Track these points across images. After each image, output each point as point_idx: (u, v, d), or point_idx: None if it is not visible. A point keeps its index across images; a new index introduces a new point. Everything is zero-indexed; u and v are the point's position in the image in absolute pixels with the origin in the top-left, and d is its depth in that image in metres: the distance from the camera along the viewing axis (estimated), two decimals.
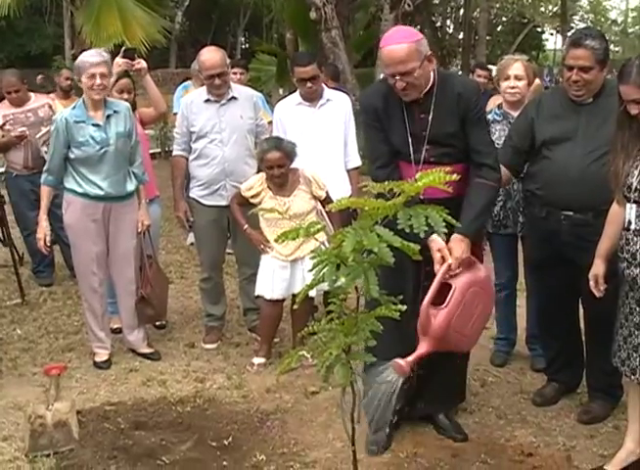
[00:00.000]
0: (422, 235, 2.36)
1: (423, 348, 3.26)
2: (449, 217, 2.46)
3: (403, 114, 3.52)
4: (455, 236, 3.37)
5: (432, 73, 3.49)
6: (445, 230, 2.43)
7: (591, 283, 3.46)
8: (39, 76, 12.02)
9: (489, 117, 4.52)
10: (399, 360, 3.11)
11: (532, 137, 3.85)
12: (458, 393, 3.99)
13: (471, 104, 3.50)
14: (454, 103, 3.48)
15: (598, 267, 3.44)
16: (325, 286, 2.57)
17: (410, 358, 3.17)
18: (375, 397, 3.15)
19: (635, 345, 3.28)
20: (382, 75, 3.57)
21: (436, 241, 3.31)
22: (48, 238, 4.60)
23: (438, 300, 3.30)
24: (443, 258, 3.33)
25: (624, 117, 3.21)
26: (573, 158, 3.67)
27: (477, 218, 3.49)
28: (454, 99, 3.48)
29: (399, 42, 3.34)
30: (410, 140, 3.52)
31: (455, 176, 2.42)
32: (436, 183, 2.38)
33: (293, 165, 4.56)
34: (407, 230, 2.37)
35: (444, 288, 3.32)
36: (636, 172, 3.19)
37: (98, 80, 4.36)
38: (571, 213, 3.71)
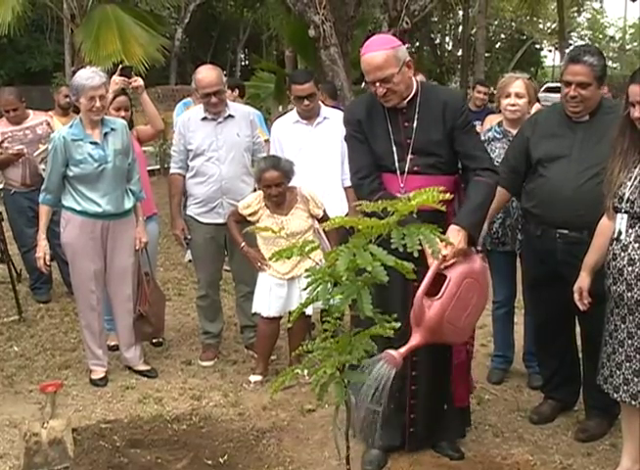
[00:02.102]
0: (415, 254, 2.36)
1: (415, 339, 3.17)
2: (443, 236, 2.48)
3: (387, 123, 3.55)
4: (452, 227, 3.37)
5: (413, 81, 3.54)
6: (440, 250, 2.43)
7: (575, 296, 3.46)
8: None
9: (489, 134, 4.54)
10: (391, 352, 3.00)
11: (528, 157, 3.87)
12: (460, 424, 3.91)
13: (458, 111, 3.54)
14: (439, 111, 3.51)
15: (583, 281, 3.44)
16: (320, 304, 2.58)
17: (402, 350, 3.08)
18: (366, 391, 3.00)
19: (619, 362, 3.28)
20: (362, 85, 3.61)
21: None
22: (47, 257, 4.61)
23: (433, 290, 3.23)
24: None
25: (627, 122, 3.21)
26: (568, 176, 3.68)
27: (474, 212, 3.46)
28: (440, 107, 3.51)
29: (376, 50, 3.42)
30: (394, 149, 3.53)
31: (448, 196, 2.44)
32: (430, 202, 2.39)
33: (290, 184, 4.57)
34: (401, 249, 2.38)
35: (439, 278, 3.25)
36: (629, 183, 3.19)
37: (98, 103, 4.38)
38: (565, 232, 3.72)
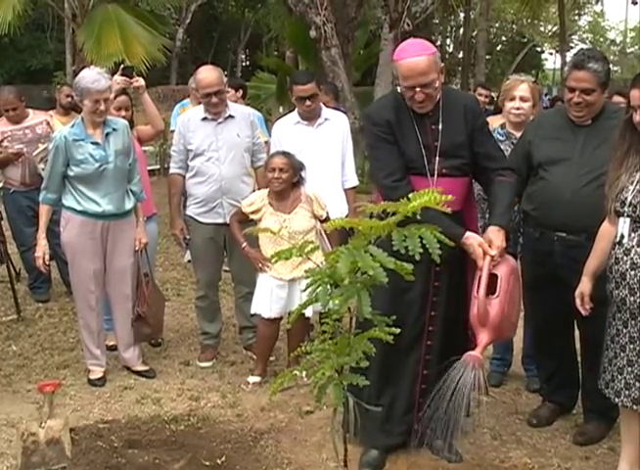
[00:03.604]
0: (417, 257, 2.37)
1: (484, 338, 3.37)
2: (443, 237, 2.48)
3: (414, 125, 3.56)
4: (492, 227, 3.50)
5: None
6: (439, 252, 2.43)
7: (577, 301, 3.46)
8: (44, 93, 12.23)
9: None
10: (473, 353, 3.25)
11: (530, 160, 3.87)
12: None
13: (476, 113, 3.63)
14: (461, 114, 3.56)
15: (585, 285, 3.44)
16: (319, 306, 2.58)
17: (478, 350, 3.29)
18: (460, 395, 3.19)
19: (620, 367, 3.27)
20: (398, 88, 3.60)
21: (473, 237, 3.42)
22: (47, 256, 4.60)
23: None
24: (484, 252, 3.41)
25: (628, 125, 3.21)
26: (568, 179, 3.68)
27: (506, 211, 3.62)
28: (461, 110, 3.57)
29: (419, 54, 3.41)
30: (423, 151, 3.55)
31: (451, 197, 2.46)
32: (432, 203, 2.40)
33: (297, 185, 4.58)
34: (402, 251, 2.39)
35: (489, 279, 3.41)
36: (631, 187, 3.19)
37: (102, 107, 4.38)
38: (564, 235, 3.72)
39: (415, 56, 3.41)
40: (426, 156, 3.55)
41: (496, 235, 3.47)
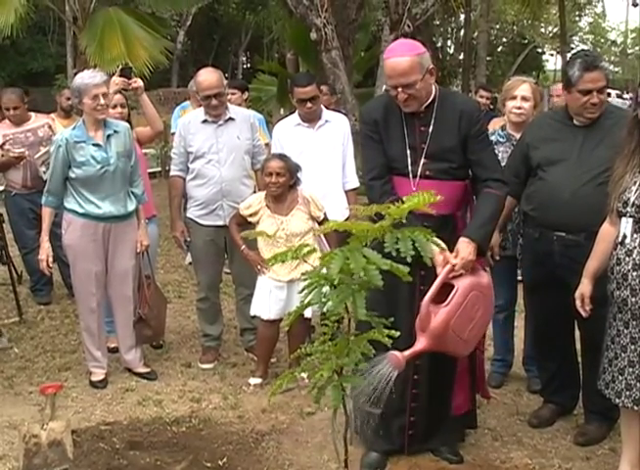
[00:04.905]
0: (409, 260, 2.37)
1: (420, 344, 3.24)
2: (437, 240, 2.49)
3: (403, 126, 3.55)
4: (462, 239, 3.41)
5: (433, 87, 3.54)
6: (431, 255, 2.44)
7: (577, 302, 3.46)
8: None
9: (492, 138, 4.52)
10: (396, 353, 3.05)
11: (529, 162, 3.87)
12: (461, 428, 3.95)
13: (473, 120, 3.55)
14: (456, 119, 3.52)
15: (585, 287, 3.44)
16: (317, 307, 2.59)
17: (406, 353, 3.14)
18: (366, 389, 2.98)
19: (621, 367, 3.27)
20: (384, 89, 3.61)
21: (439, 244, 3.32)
22: (50, 259, 4.61)
23: (440, 299, 3.28)
24: (447, 262, 3.33)
25: (635, 123, 3.22)
26: (567, 179, 3.69)
27: (484, 224, 3.50)
28: (456, 115, 3.52)
29: (402, 55, 3.40)
30: (408, 152, 3.54)
31: (439, 197, 2.45)
32: (421, 206, 2.40)
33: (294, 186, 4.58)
34: (394, 254, 2.39)
35: (447, 289, 3.31)
36: (634, 188, 3.19)
37: (102, 101, 4.40)
38: (563, 234, 3.73)
39: (399, 56, 3.40)
40: (410, 157, 3.53)
41: (464, 247, 3.38)
